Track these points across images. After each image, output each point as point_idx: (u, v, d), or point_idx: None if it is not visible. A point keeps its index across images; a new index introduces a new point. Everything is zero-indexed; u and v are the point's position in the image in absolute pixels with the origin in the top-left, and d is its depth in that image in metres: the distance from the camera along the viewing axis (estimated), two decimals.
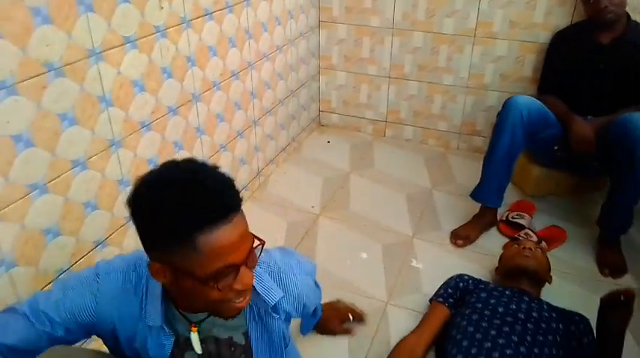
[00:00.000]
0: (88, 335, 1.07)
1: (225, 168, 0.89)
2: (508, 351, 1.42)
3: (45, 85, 1.29)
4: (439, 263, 2.04)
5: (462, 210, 2.32)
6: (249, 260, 0.89)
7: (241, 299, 0.92)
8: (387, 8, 2.72)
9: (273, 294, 1.05)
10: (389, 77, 2.91)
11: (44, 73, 1.28)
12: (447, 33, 2.67)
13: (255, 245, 0.91)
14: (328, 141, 3.04)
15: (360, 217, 2.35)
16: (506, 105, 2.05)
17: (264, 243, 0.93)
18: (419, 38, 2.74)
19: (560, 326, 1.53)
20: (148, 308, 1.00)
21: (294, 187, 2.58)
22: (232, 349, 1.10)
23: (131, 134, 1.61)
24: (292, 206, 2.42)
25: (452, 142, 2.96)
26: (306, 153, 2.92)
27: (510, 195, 2.35)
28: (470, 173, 2.48)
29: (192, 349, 1.06)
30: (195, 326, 1.03)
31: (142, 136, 1.66)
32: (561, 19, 2.42)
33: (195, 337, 1.03)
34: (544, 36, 2.46)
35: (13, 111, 1.22)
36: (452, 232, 2.21)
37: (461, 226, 2.22)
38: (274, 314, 1.09)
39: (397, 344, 1.62)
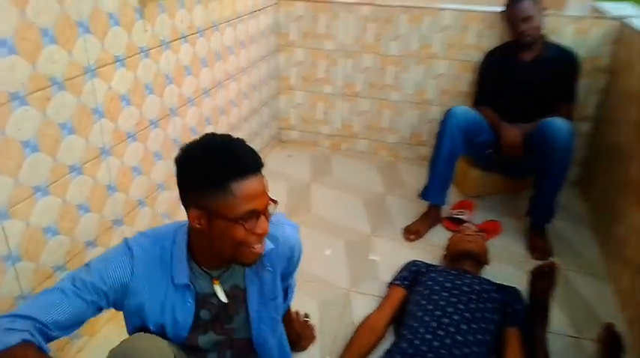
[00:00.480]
0: (109, 307, 1.20)
1: None
2: (455, 317, 1.68)
3: (49, 97, 1.46)
4: (394, 255, 2.29)
5: (413, 210, 2.60)
6: (267, 211, 1.14)
7: (259, 245, 1.14)
8: (340, 33, 3.01)
9: (266, 244, 1.25)
10: (342, 95, 3.19)
11: (49, 87, 1.46)
12: (394, 54, 2.98)
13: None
14: (289, 156, 3.28)
15: (322, 220, 2.58)
16: (447, 115, 2.36)
17: (278, 202, 1.18)
18: (369, 59, 3.04)
19: (498, 296, 1.81)
20: (175, 269, 1.20)
21: None
22: (235, 293, 1.30)
23: (119, 144, 1.79)
24: None
25: (401, 152, 3.25)
26: (270, 166, 3.06)
27: (453, 196, 2.66)
28: (418, 179, 2.76)
29: (207, 306, 1.26)
30: (216, 279, 1.25)
31: (127, 146, 1.84)
32: (491, 41, 2.75)
33: (219, 288, 1.25)
34: (477, 55, 2.77)
35: (24, 120, 1.39)
36: (404, 229, 2.47)
37: (411, 223, 2.49)
38: (266, 263, 1.29)
39: (361, 322, 1.84)
